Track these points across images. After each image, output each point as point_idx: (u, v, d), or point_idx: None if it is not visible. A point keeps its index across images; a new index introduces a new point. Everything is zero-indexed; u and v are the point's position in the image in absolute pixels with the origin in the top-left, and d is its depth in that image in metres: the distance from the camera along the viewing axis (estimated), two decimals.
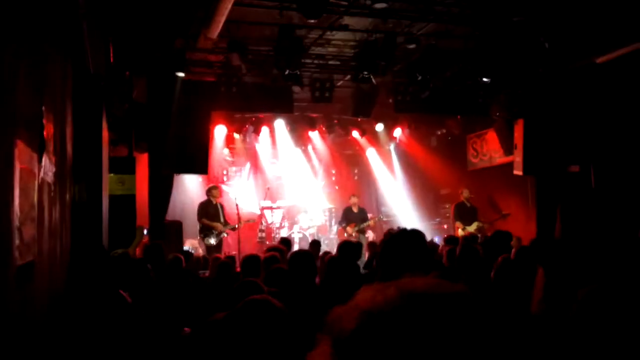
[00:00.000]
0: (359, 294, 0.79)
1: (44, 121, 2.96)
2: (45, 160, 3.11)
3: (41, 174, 3.03)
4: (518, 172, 10.97)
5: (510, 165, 11.41)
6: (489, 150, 13.38)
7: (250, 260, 5.54)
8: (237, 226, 11.26)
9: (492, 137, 12.97)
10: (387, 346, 0.68)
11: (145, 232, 9.03)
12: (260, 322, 1.91)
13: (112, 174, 8.26)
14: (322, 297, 4.05)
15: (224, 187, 13.07)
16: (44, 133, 2.96)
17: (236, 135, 13.51)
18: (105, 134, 6.91)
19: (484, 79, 10.00)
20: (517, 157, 10.95)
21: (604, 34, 8.47)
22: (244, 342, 1.89)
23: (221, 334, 1.97)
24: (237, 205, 11.32)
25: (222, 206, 11.45)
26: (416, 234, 2.67)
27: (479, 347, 0.70)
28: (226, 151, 13.95)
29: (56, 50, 3.83)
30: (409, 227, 2.91)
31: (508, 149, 11.74)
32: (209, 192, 11.48)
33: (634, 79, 8.70)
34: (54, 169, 3.55)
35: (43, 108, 2.94)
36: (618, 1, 7.74)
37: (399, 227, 4.04)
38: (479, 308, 0.74)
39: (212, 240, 10.95)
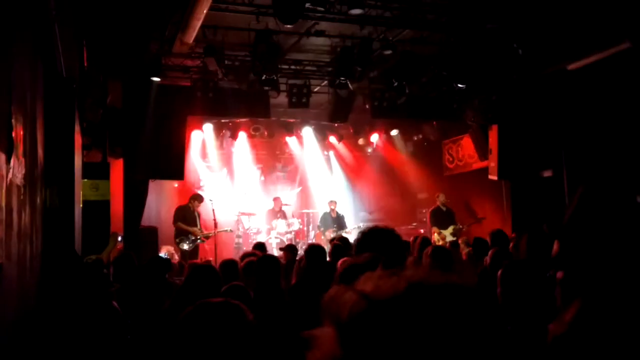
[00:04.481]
0: (361, 280, 0.81)
1: (13, 121, 2.89)
2: (14, 161, 3.04)
3: (10, 176, 2.97)
4: (493, 177, 11.11)
5: (485, 170, 11.55)
6: (464, 155, 13.53)
7: (228, 265, 5.51)
8: (212, 234, 11.18)
9: (467, 143, 13.12)
10: (392, 333, 0.71)
11: (119, 238, 8.89)
12: (214, 326, 1.82)
13: (85, 179, 8.13)
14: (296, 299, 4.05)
15: (199, 192, 12.97)
16: (13, 133, 2.89)
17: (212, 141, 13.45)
18: (78, 138, 6.80)
19: (459, 85, 10.12)
20: (492, 162, 11.09)
21: (575, 42, 8.65)
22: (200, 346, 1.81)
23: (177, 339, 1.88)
24: (213, 210, 11.23)
25: (199, 214, 11.40)
26: (389, 230, 2.70)
27: (483, 340, 0.72)
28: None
29: (25, 50, 3.77)
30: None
31: (483, 154, 11.88)
32: (192, 198, 11.41)
33: (604, 85, 8.89)
34: (23, 171, 3.48)
35: (12, 108, 2.88)
36: (588, 10, 7.91)
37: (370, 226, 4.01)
38: (484, 301, 0.77)
39: (186, 246, 10.85)
